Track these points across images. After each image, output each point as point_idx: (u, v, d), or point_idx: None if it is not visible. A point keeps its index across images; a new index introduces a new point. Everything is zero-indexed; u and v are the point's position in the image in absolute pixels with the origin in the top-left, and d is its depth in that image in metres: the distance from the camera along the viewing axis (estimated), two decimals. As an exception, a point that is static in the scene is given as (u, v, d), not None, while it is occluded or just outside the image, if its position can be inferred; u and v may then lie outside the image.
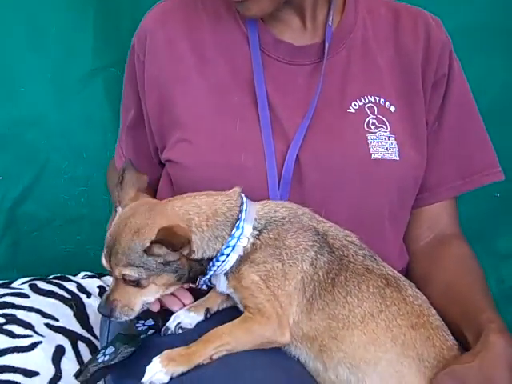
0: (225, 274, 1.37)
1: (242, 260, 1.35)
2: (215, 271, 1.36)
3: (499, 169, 1.71)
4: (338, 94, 1.57)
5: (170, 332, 1.39)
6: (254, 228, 1.36)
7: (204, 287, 1.40)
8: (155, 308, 1.40)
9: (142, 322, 1.43)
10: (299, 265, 1.34)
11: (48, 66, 2.14)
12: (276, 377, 1.30)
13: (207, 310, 1.42)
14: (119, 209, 1.39)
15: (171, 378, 1.27)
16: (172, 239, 1.29)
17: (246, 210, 1.36)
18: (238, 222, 1.35)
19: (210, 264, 1.35)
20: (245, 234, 1.35)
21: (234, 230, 1.34)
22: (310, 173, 1.49)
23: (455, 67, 1.66)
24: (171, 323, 1.40)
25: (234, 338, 1.31)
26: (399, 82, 1.61)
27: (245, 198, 1.39)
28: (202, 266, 1.36)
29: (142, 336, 1.41)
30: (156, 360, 1.28)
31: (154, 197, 1.59)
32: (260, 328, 1.32)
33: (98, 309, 1.37)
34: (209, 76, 1.56)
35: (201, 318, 1.41)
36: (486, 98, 2.14)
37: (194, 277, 1.37)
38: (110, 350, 1.39)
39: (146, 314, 1.43)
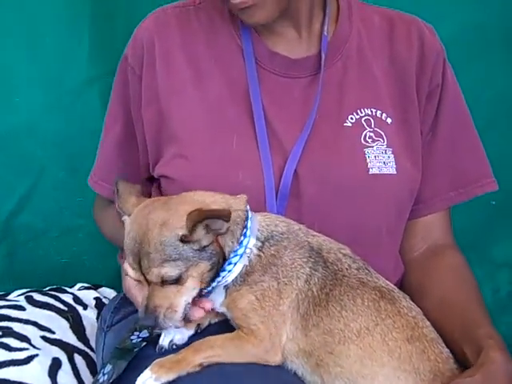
0: (224, 287, 1.36)
1: (245, 274, 1.34)
2: (219, 282, 1.35)
3: (493, 179, 1.71)
4: (334, 107, 1.56)
5: (164, 350, 1.38)
6: (258, 239, 1.36)
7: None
8: (198, 314, 1.34)
9: (137, 333, 1.43)
10: (294, 282, 1.35)
11: (43, 75, 2.14)
12: None
13: (198, 324, 1.41)
14: (125, 217, 1.36)
15: None
16: (217, 212, 1.28)
17: (251, 218, 1.36)
18: (245, 230, 1.35)
19: (217, 277, 1.34)
20: (249, 245, 1.35)
21: (242, 237, 1.34)
22: (308, 188, 1.49)
23: (449, 76, 1.66)
24: (164, 341, 1.39)
25: (225, 352, 1.32)
26: (395, 92, 1.60)
27: (248, 207, 1.39)
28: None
29: (136, 349, 1.41)
30: (147, 370, 1.30)
31: None
32: (252, 348, 1.33)
33: (141, 322, 1.30)
34: (204, 89, 1.55)
35: (192, 332, 1.40)
36: (483, 106, 2.15)
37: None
38: (108, 368, 1.39)
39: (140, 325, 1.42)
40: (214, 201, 1.34)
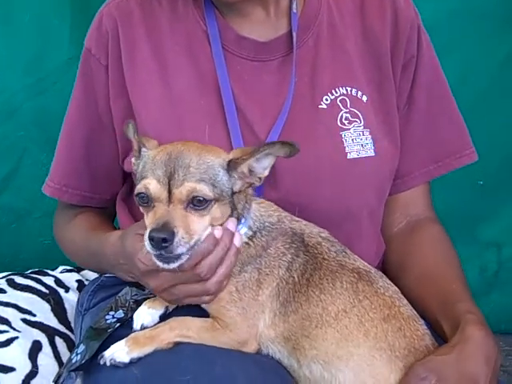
0: None
1: None
2: None
3: (473, 149, 1.67)
4: (308, 89, 1.53)
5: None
6: (250, 228, 1.36)
7: None
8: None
9: (112, 313, 1.44)
10: (275, 272, 1.36)
11: (23, 56, 2.14)
12: (249, 369, 1.31)
13: (167, 306, 1.41)
14: (145, 150, 1.33)
15: (131, 360, 1.30)
16: (279, 142, 1.29)
17: (250, 208, 1.36)
18: (243, 219, 1.35)
19: None
20: (240, 232, 1.35)
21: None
22: (285, 178, 1.46)
23: (424, 46, 1.61)
24: (136, 325, 1.39)
25: (200, 338, 1.33)
26: (369, 67, 1.57)
27: None
28: None
29: (109, 330, 1.42)
30: (122, 341, 1.32)
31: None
32: (228, 340, 1.34)
33: (154, 233, 1.21)
34: (172, 82, 1.50)
35: (161, 311, 1.40)
36: (471, 86, 2.17)
37: None
38: (81, 348, 1.41)
39: (116, 304, 1.44)
40: None
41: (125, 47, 1.51)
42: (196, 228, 1.25)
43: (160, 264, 1.25)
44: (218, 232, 1.28)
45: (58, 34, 2.12)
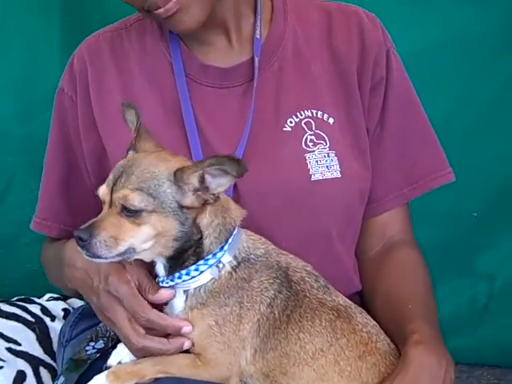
0: (185, 292, 1.42)
1: (210, 292, 1.40)
2: (177, 284, 1.41)
3: (449, 170, 1.72)
4: (272, 112, 1.60)
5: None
6: (235, 258, 1.43)
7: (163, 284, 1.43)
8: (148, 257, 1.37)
9: (93, 344, 1.53)
10: (257, 307, 1.42)
11: (13, 82, 2.24)
12: None
13: None
14: (131, 152, 1.42)
15: None
16: (233, 158, 1.31)
17: (235, 235, 1.43)
18: (225, 245, 1.42)
19: (177, 275, 1.41)
20: (223, 260, 1.42)
21: (217, 250, 1.41)
22: (250, 203, 1.51)
23: (394, 67, 1.67)
24: (113, 361, 1.46)
25: (182, 374, 1.41)
26: (336, 90, 1.63)
27: (239, 223, 1.45)
28: (195, 253, 1.39)
29: (89, 361, 1.50)
30: (103, 374, 1.39)
31: None
32: (210, 376, 1.42)
33: (77, 232, 1.30)
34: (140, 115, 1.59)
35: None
36: (464, 117, 2.25)
37: (183, 259, 1.38)
38: (61, 380, 1.50)
39: (96, 335, 1.52)
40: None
41: (93, 84, 1.64)
42: (126, 234, 1.33)
43: (86, 257, 1.33)
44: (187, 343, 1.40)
45: (48, 61, 2.22)
